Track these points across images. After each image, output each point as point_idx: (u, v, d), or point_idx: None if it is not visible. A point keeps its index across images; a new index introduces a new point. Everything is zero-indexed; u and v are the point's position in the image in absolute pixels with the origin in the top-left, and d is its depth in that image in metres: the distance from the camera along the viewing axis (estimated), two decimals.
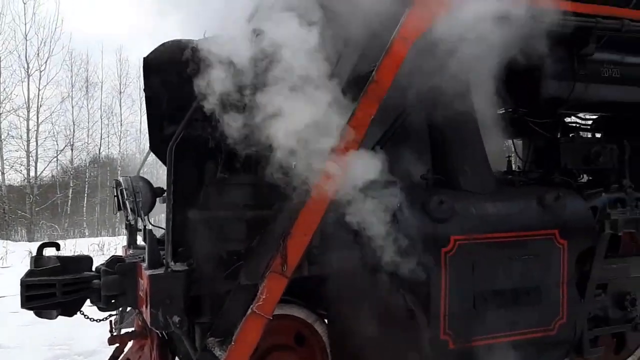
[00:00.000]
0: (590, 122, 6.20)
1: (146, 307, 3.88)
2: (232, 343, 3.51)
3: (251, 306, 3.56)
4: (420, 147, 4.55)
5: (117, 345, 4.78)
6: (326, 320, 4.43)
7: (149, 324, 3.84)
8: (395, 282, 3.89)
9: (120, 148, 33.64)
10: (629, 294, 4.87)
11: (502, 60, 4.41)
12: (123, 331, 4.99)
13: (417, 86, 4.24)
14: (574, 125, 6.10)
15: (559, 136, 5.36)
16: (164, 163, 4.08)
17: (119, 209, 5.28)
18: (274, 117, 3.75)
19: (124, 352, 4.92)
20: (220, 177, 3.98)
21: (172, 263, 3.87)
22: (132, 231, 5.42)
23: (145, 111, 4.06)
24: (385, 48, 3.87)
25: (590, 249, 4.61)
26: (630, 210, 4.68)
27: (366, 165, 3.78)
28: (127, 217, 4.25)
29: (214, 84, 3.59)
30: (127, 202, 4.10)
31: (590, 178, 5.31)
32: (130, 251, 5.23)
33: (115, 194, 5.27)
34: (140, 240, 5.48)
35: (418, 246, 3.83)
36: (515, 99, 4.89)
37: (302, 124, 3.75)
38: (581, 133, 5.97)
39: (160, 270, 3.86)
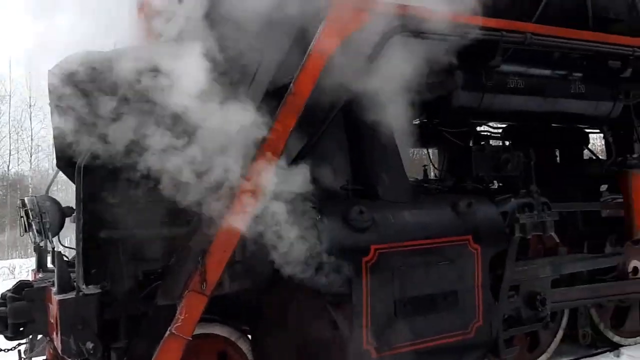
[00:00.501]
0: (500, 130, 6.52)
1: (57, 334, 3.66)
2: None
3: (169, 327, 3.44)
4: (339, 158, 4.59)
5: None
6: (250, 337, 4.36)
7: (60, 351, 3.63)
8: (318, 294, 3.89)
9: (31, 164, 31.82)
10: (539, 294, 5.10)
11: (415, 72, 4.56)
12: None
13: (335, 97, 4.30)
14: (485, 133, 6.39)
15: (471, 145, 5.58)
16: (73, 181, 3.90)
17: (26, 230, 4.98)
18: (188, 132, 3.69)
19: None
20: (134, 195, 3.84)
21: (84, 286, 3.68)
22: (41, 254, 5.13)
23: (52, 127, 3.85)
24: (302, 61, 3.89)
25: (502, 252, 4.81)
26: (537, 214, 4.93)
27: (286, 177, 3.77)
28: (34, 239, 4.01)
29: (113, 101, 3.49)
30: (32, 224, 3.86)
31: (501, 184, 5.55)
32: (40, 275, 4.94)
33: (21, 215, 4.97)
34: (50, 263, 5.20)
35: (339, 256, 3.85)
36: (430, 110, 5.05)
37: (219, 136, 3.70)
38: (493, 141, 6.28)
39: (71, 294, 3.66)
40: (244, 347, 4.26)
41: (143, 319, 3.74)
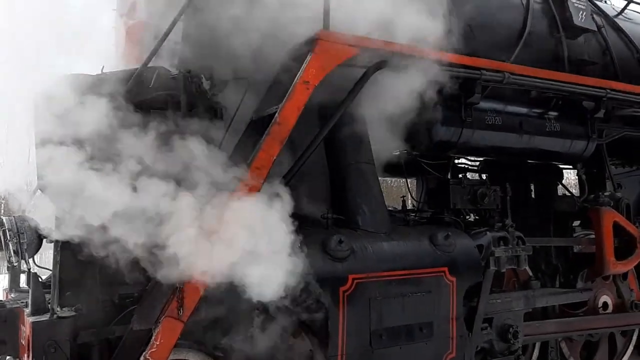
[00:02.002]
0: (477, 163, 6.68)
1: (28, 356, 3.61)
2: None
3: (143, 353, 3.42)
4: (320, 187, 4.65)
5: None
6: None
7: None
8: (295, 322, 3.90)
9: None
10: (511, 327, 5.18)
11: (397, 106, 4.67)
12: None
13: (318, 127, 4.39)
14: (463, 166, 6.53)
15: (449, 177, 5.69)
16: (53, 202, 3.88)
17: (1, 249, 4.92)
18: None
19: None
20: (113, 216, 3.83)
21: (58, 308, 3.65)
22: (14, 273, 5.06)
23: (35, 146, 3.85)
24: (288, 91, 3.96)
25: (477, 285, 4.88)
26: (512, 248, 5.03)
27: (269, 206, 3.81)
28: (8, 258, 3.97)
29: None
30: (9, 244, 3.82)
31: (477, 217, 5.66)
32: (12, 295, 4.87)
33: None
34: (23, 283, 5.12)
35: (317, 285, 3.87)
36: (411, 142, 5.16)
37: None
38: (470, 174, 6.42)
39: (45, 317, 3.62)
40: None
41: (117, 343, 3.69)
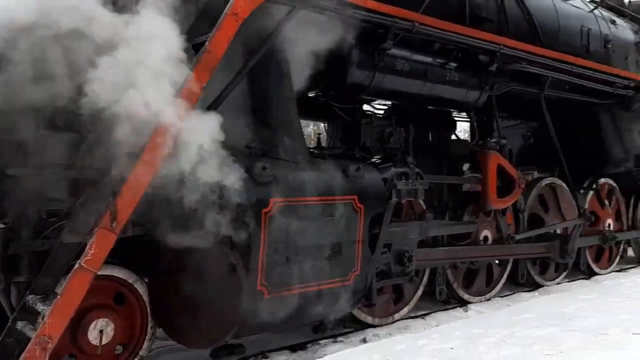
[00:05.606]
0: (384, 108, 7.19)
1: None
2: (58, 297, 3.51)
3: (78, 261, 3.59)
4: (241, 118, 4.89)
5: None
6: (146, 280, 4.56)
7: None
8: (220, 239, 4.22)
9: None
10: (407, 252, 5.82)
11: (317, 47, 4.98)
12: None
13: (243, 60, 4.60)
14: (370, 113, 7.01)
15: (360, 119, 6.13)
16: None
17: None
18: (100, 78, 3.79)
19: None
20: (42, 135, 3.89)
21: None
22: None
23: None
24: (218, 22, 4.14)
25: (380, 213, 5.44)
26: (412, 182, 5.63)
27: (197, 131, 4.02)
28: None
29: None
30: None
31: (380, 158, 6.18)
32: None
33: None
34: None
35: (242, 206, 4.19)
36: (326, 83, 5.51)
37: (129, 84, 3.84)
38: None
39: None
40: (141, 289, 4.46)
41: (46, 255, 3.82)
